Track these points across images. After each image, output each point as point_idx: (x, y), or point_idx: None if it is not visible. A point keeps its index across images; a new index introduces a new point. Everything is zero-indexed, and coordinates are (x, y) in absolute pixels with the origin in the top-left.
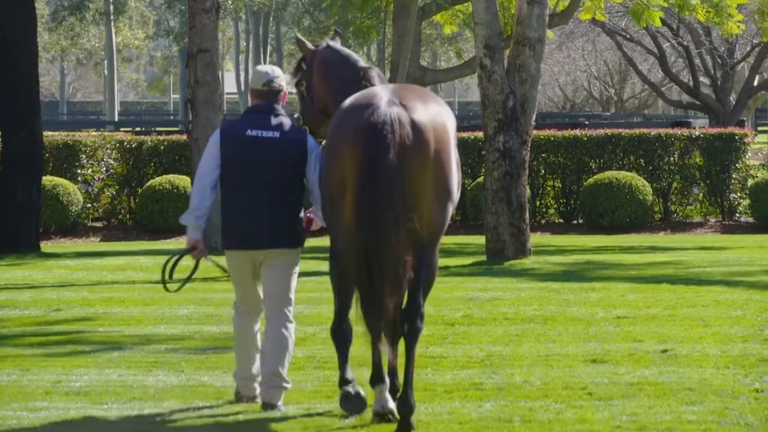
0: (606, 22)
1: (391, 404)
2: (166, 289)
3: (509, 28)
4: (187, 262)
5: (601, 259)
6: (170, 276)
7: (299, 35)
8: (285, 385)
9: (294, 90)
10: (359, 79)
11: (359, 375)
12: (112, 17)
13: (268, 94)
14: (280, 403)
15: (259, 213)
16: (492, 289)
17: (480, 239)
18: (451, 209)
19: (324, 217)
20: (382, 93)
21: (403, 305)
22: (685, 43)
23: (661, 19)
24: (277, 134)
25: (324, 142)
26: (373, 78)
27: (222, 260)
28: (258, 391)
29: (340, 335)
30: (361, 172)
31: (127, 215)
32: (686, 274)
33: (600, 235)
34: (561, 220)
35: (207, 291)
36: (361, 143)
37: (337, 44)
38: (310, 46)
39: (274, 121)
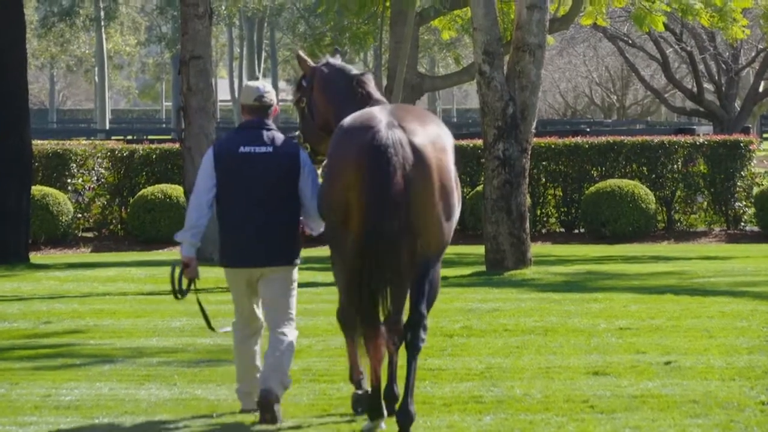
0: (608, 27)
1: None
2: (176, 297)
3: (509, 34)
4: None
5: (603, 269)
6: (179, 286)
7: (301, 52)
8: (285, 381)
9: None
10: (354, 88)
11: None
12: (102, 23)
13: (259, 110)
14: (278, 408)
15: (255, 230)
16: (492, 300)
17: (479, 249)
18: (452, 226)
19: (326, 233)
20: (380, 115)
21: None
22: (688, 48)
23: (664, 23)
24: (270, 149)
25: (325, 160)
26: (367, 83)
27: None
28: None
29: (348, 317)
30: (367, 195)
31: (119, 225)
32: (690, 284)
33: (602, 245)
34: (562, 230)
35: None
36: (365, 165)
37: (337, 61)
38: (310, 63)
39: (265, 136)
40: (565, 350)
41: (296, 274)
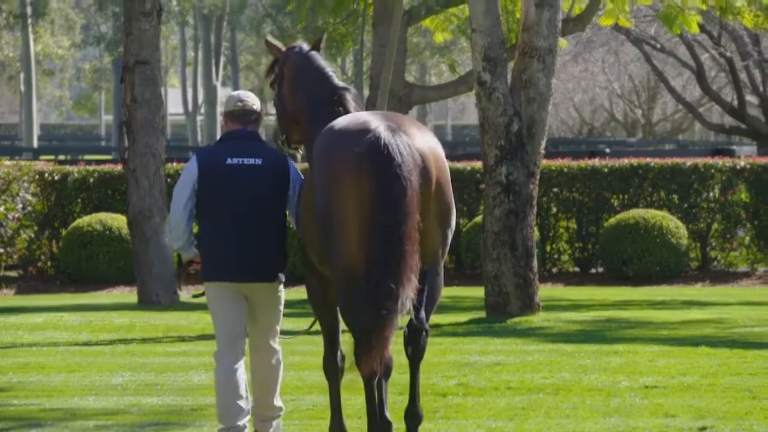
0: (632, 28)
1: None
2: (191, 297)
3: (514, 36)
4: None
5: (625, 316)
6: (181, 290)
7: (270, 37)
8: (280, 413)
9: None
10: (333, 102)
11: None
12: (29, 21)
13: (243, 116)
14: (279, 425)
15: (243, 244)
16: (492, 352)
17: (478, 291)
18: (448, 241)
19: (309, 246)
20: (373, 119)
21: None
22: (728, 54)
23: (698, 24)
24: (258, 161)
25: (299, 148)
26: (349, 103)
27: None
28: None
29: (332, 366)
30: (371, 201)
31: (48, 262)
32: (729, 334)
33: (624, 287)
34: (576, 269)
35: (146, 355)
36: (367, 171)
37: (312, 52)
38: (280, 46)
39: (253, 146)
40: (579, 413)
41: (283, 290)
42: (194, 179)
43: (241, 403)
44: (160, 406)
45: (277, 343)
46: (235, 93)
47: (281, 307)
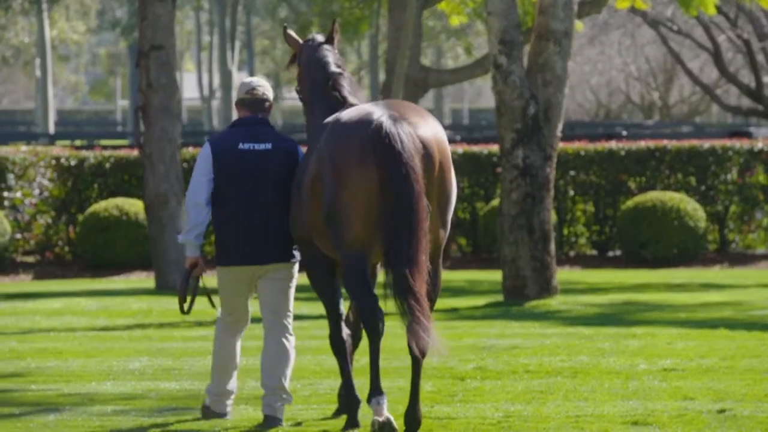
0: (648, 10)
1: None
2: (183, 312)
3: (530, 19)
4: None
5: (643, 299)
6: (190, 304)
7: (289, 29)
8: (287, 398)
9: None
10: (328, 86)
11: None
12: (44, 6)
13: (253, 104)
14: (281, 416)
15: (257, 228)
16: (510, 335)
17: (495, 275)
18: (447, 228)
19: (308, 224)
20: (376, 110)
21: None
22: (745, 35)
23: (716, 6)
24: (269, 146)
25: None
26: (343, 87)
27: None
28: (229, 408)
29: (338, 342)
30: (378, 191)
31: (66, 248)
32: (748, 317)
33: (641, 270)
34: (594, 252)
35: (163, 340)
36: (372, 161)
37: (324, 49)
38: (297, 39)
39: (263, 132)
40: (598, 396)
41: (296, 270)
42: (210, 165)
43: (232, 369)
44: (177, 390)
45: (290, 324)
46: (248, 80)
47: (293, 289)
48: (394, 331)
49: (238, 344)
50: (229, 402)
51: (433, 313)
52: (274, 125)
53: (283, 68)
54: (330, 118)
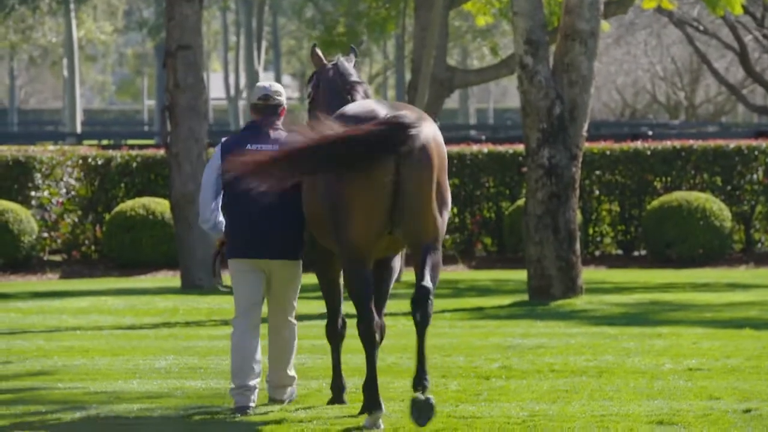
0: (674, 10)
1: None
2: (219, 288)
3: (556, 19)
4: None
5: (669, 298)
6: (215, 275)
7: (317, 49)
8: (293, 382)
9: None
10: (345, 92)
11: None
12: (72, 6)
13: (265, 109)
14: (293, 392)
15: (263, 224)
16: (535, 335)
17: (521, 275)
18: (445, 221)
19: (309, 221)
20: (380, 107)
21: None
22: None
23: (742, 6)
24: (276, 147)
25: None
26: (358, 93)
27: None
28: (253, 402)
29: (332, 330)
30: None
31: (92, 247)
32: None
33: (667, 270)
34: (619, 252)
35: (189, 338)
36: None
37: (345, 62)
38: (322, 58)
39: (272, 134)
40: (623, 395)
41: (300, 267)
42: (218, 165)
43: (253, 365)
44: (203, 389)
45: (293, 318)
46: (261, 85)
47: (297, 284)
48: (413, 329)
49: (256, 341)
50: (254, 396)
51: (453, 311)
52: None
53: (309, 67)
54: (338, 112)
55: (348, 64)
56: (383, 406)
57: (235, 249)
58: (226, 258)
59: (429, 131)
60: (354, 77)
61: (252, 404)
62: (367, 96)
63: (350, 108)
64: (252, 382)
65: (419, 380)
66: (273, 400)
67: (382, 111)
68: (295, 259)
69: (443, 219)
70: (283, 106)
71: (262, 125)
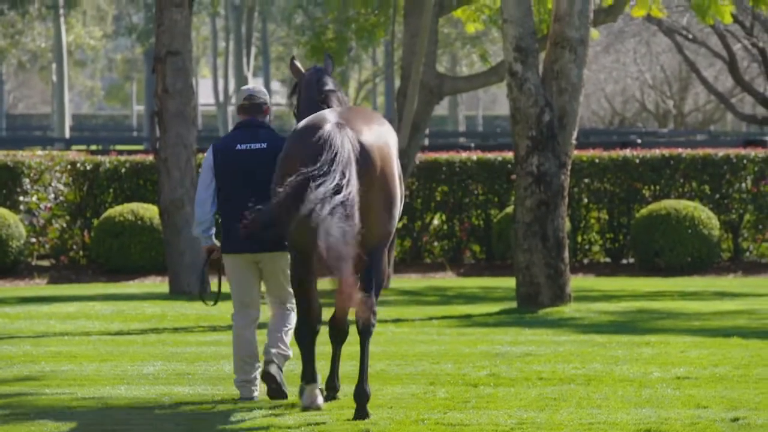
0: (664, 19)
1: (320, 400)
2: (204, 303)
3: (545, 27)
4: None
5: (657, 307)
6: (204, 290)
7: (295, 61)
8: (286, 352)
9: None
10: (320, 101)
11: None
12: (61, 11)
13: (251, 108)
14: (280, 376)
15: None
16: (524, 342)
17: (509, 282)
18: (395, 218)
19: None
20: (329, 116)
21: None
22: (760, 44)
23: (732, 14)
24: (264, 145)
25: None
26: (332, 101)
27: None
28: (256, 393)
29: (305, 332)
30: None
31: (80, 252)
32: (762, 326)
33: (655, 278)
34: (607, 260)
35: (177, 344)
36: (311, 162)
37: (321, 72)
38: (300, 68)
39: (259, 133)
40: (611, 403)
41: (289, 258)
42: (211, 167)
43: (253, 358)
44: (191, 395)
45: (291, 303)
46: (245, 88)
47: (288, 273)
48: (408, 337)
49: (254, 335)
50: (255, 388)
51: (441, 319)
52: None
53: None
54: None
55: (323, 73)
56: (319, 379)
57: (229, 245)
58: (221, 251)
59: (369, 138)
60: (328, 86)
61: (255, 395)
62: (341, 103)
63: (302, 122)
64: (253, 375)
65: (361, 390)
66: (267, 363)
67: (328, 123)
68: (284, 250)
69: (391, 220)
70: (267, 104)
71: (250, 124)
